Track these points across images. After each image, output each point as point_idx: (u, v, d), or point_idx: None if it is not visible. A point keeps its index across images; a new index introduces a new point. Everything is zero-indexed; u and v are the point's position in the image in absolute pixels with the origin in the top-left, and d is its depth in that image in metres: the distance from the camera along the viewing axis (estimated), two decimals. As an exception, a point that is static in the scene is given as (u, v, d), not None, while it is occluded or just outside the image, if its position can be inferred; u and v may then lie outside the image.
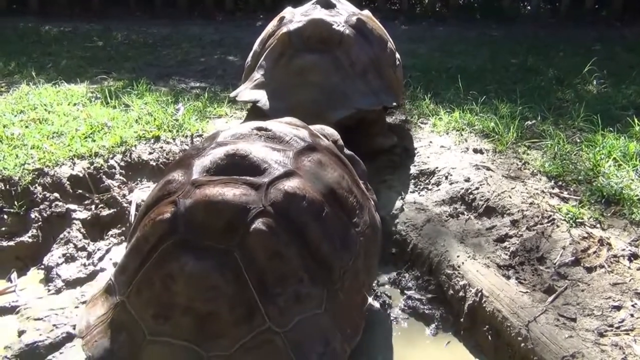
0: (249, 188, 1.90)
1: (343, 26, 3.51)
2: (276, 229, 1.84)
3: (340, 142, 2.65)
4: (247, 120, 3.67)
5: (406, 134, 3.96)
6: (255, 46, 3.81)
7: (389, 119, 4.18)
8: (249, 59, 3.83)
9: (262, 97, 3.39)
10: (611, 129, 3.65)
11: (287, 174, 1.98)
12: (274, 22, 3.77)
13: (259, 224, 1.82)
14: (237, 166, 1.97)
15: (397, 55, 3.92)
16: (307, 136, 2.25)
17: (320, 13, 3.59)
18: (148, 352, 1.77)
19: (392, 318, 2.47)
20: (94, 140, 3.57)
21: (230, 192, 1.87)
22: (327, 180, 2.09)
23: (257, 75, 3.54)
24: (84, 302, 2.47)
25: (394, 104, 3.62)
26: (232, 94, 3.73)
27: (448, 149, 3.53)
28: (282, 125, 2.29)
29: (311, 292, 1.88)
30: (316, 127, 2.60)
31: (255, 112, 3.53)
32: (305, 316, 1.85)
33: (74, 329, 2.29)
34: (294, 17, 3.61)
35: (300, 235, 1.90)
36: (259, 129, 2.20)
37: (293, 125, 2.39)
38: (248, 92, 3.51)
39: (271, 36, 3.65)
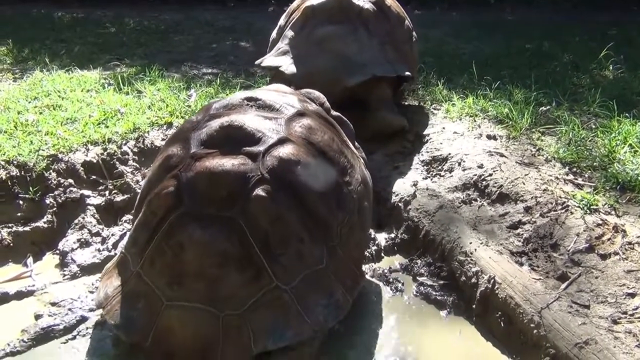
0: (246, 158, 2.01)
1: (363, 1, 3.81)
2: (275, 194, 1.96)
3: (327, 104, 2.74)
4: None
5: (419, 119, 3.94)
6: (281, 21, 4.12)
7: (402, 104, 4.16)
8: (274, 33, 4.12)
9: (284, 63, 3.64)
10: (627, 114, 3.60)
11: (281, 141, 2.09)
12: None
13: (259, 191, 1.94)
14: (233, 137, 2.08)
15: (414, 33, 4.08)
16: (295, 102, 2.37)
17: None
18: (167, 316, 1.89)
19: (405, 304, 2.47)
20: (107, 127, 3.59)
21: (229, 162, 1.98)
22: (319, 143, 2.21)
23: (281, 44, 3.83)
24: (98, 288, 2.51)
25: (407, 74, 3.77)
26: (257, 62, 3.95)
27: (461, 135, 3.50)
28: (271, 93, 2.39)
29: (312, 250, 2.02)
30: (302, 92, 2.71)
31: (277, 78, 3.69)
32: (308, 272, 2.00)
33: (89, 311, 2.33)
34: None
35: (298, 198, 2.03)
36: (249, 99, 2.31)
37: (281, 92, 2.50)
38: (271, 58, 3.77)
39: (295, 11, 3.96)
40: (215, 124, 2.13)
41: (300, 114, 2.27)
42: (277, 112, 2.25)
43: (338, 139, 2.37)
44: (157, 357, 1.92)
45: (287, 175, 2.02)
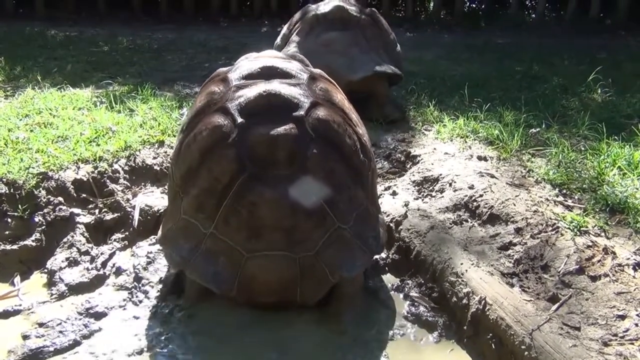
0: (292, 122, 2.26)
1: (360, 13, 4.56)
2: (325, 151, 2.26)
3: (310, 65, 2.93)
4: None
5: (410, 140, 3.96)
6: (284, 30, 4.76)
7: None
8: (278, 40, 4.73)
9: None
10: (616, 137, 3.63)
11: (314, 105, 2.35)
12: (298, 13, 4.77)
13: (313, 150, 2.24)
14: (273, 104, 2.31)
15: (398, 46, 4.77)
16: (301, 67, 2.62)
17: (340, 3, 4.58)
18: (250, 266, 2.19)
19: (395, 325, 2.45)
20: (99, 145, 3.57)
21: (282, 128, 2.23)
22: (338, 102, 2.51)
23: (290, 47, 4.38)
24: (88, 308, 2.47)
25: (400, 73, 4.43)
26: None
27: (452, 156, 3.52)
28: (277, 60, 2.61)
29: (357, 194, 2.38)
30: (289, 54, 2.98)
31: None
32: (358, 212, 2.37)
33: (81, 336, 2.30)
34: (318, 6, 4.61)
35: (340, 151, 2.33)
36: (267, 68, 2.50)
37: (280, 57, 2.75)
38: None
39: (299, 21, 4.62)
40: (251, 93, 2.34)
41: (312, 78, 2.52)
42: (295, 79, 2.47)
43: (344, 96, 2.66)
44: (242, 303, 2.25)
45: (329, 134, 2.31)
